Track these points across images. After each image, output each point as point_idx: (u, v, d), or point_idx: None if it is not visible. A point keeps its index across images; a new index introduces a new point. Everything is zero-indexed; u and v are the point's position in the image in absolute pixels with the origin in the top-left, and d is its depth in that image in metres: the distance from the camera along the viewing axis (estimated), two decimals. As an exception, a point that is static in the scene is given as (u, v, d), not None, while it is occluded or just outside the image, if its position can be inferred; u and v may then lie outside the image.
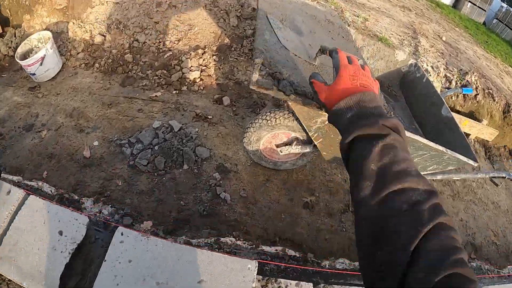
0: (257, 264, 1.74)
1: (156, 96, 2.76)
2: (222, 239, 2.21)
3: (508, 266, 2.55)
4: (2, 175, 2.51)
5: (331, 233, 2.16)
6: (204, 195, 2.40)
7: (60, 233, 1.64)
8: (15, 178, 2.44)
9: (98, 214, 2.24)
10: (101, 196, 2.27)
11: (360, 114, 0.59)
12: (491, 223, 2.81)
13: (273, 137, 2.06)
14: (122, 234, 1.68)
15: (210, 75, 3.11)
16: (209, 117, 2.86)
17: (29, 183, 2.39)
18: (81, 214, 1.72)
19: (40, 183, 2.37)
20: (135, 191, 2.30)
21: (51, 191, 2.33)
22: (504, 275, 2.40)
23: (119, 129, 2.50)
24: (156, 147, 2.44)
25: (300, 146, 1.97)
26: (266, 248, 2.13)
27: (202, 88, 3.01)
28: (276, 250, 2.08)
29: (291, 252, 2.08)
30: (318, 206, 2.29)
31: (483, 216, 2.84)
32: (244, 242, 2.20)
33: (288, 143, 2.07)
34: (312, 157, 2.22)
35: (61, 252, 1.56)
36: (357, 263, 2.06)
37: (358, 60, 0.75)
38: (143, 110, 2.65)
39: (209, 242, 2.20)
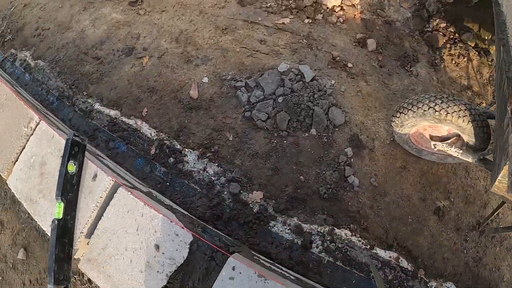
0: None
1: (283, 23, 2.21)
2: (336, 230, 1.91)
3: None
4: (97, 106, 2.49)
5: (451, 252, 2.02)
6: (329, 174, 1.93)
7: (157, 247, 1.39)
8: (112, 112, 2.37)
9: (201, 172, 2.01)
10: (208, 150, 1.99)
11: None
12: None
13: (432, 127, 1.81)
14: (234, 269, 1.33)
15: (353, 5, 2.39)
16: (349, 65, 2.22)
17: (127, 120, 2.28)
18: (183, 229, 1.41)
19: (139, 122, 2.23)
20: (248, 151, 1.95)
21: (150, 134, 2.18)
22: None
23: (235, 65, 2.09)
24: (280, 99, 1.98)
25: (461, 152, 1.68)
26: (380, 252, 1.92)
27: (342, 21, 2.34)
28: (390, 257, 1.92)
29: (403, 264, 1.93)
30: (449, 214, 2.07)
31: None
32: (360, 239, 1.93)
33: (446, 139, 1.81)
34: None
35: (157, 272, 1.34)
36: None
37: None
38: (266, 42, 2.16)
39: (322, 231, 1.90)
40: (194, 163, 1.97)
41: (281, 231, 1.88)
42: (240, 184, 1.89)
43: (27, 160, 1.60)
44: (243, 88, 2.00)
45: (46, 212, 1.47)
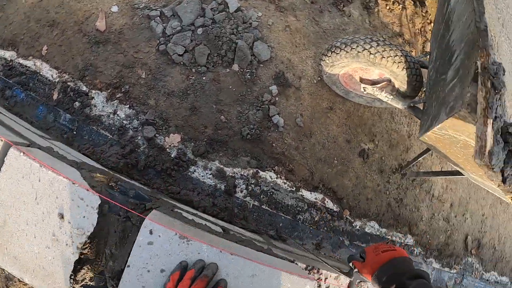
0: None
1: None
2: (261, 172, 1.80)
3: (492, 272, 2.69)
4: None
5: (374, 193, 2.05)
6: (252, 114, 1.75)
7: (61, 216, 1.12)
8: (7, 54, 1.95)
9: (111, 116, 1.72)
10: (117, 90, 1.70)
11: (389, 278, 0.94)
12: (502, 227, 2.89)
13: (363, 69, 1.73)
14: (151, 232, 1.11)
15: None
16: (279, -2, 2.02)
17: (24, 62, 1.89)
18: (88, 191, 1.13)
19: (38, 63, 1.86)
20: (162, 89, 1.69)
21: (52, 76, 1.82)
22: (485, 279, 2.70)
23: (148, -9, 1.79)
24: (199, 31, 1.72)
25: (391, 97, 1.63)
26: (306, 194, 1.87)
27: None
28: (316, 198, 1.89)
29: (329, 205, 1.93)
30: (373, 156, 2.07)
31: (500, 217, 2.88)
32: (285, 181, 1.84)
33: (376, 83, 1.75)
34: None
35: (66, 245, 1.08)
36: (384, 230, 2.10)
37: None
38: (184, -32, 1.87)
39: (245, 174, 1.77)
40: (103, 106, 1.68)
41: (202, 176, 1.68)
42: (155, 127, 1.65)
43: None
44: (158, 18, 1.72)
45: None
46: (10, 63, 1.90)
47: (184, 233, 1.11)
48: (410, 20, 2.42)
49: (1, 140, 1.18)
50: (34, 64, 1.84)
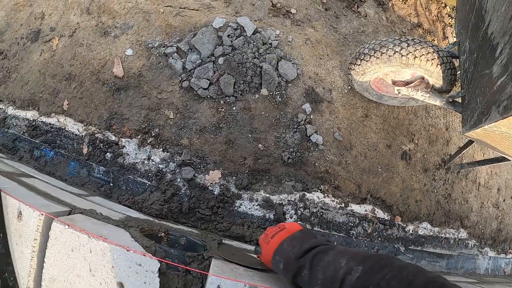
0: None
1: (210, -27, 1.83)
2: (308, 195, 1.70)
3: (486, 248, 2.40)
4: (11, 110, 1.93)
5: (422, 194, 1.95)
6: (290, 136, 1.65)
7: (121, 285, 1.03)
8: (29, 114, 1.89)
9: (146, 162, 1.63)
10: (148, 135, 1.61)
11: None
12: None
13: (394, 72, 1.66)
14: None
15: None
16: (292, 11, 1.90)
17: (47, 120, 1.82)
18: (145, 256, 1.02)
19: (61, 119, 1.79)
20: (194, 127, 1.60)
21: (78, 130, 1.74)
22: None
23: (162, 28, 1.68)
24: (220, 60, 1.61)
25: (427, 95, 1.54)
26: (355, 208, 1.78)
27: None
28: (366, 210, 1.81)
29: (380, 214, 1.84)
30: (415, 157, 1.98)
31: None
32: (333, 199, 1.75)
33: (409, 83, 1.67)
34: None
35: None
36: (437, 229, 2.01)
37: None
38: (193, -4, 1.77)
39: (292, 199, 1.68)
40: (136, 154, 1.59)
41: (249, 209, 1.58)
42: (193, 167, 1.55)
43: None
44: (175, 54, 1.62)
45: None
46: (33, 123, 1.83)
47: (252, 282, 1.01)
48: (425, 8, 2.27)
49: (42, 214, 1.09)
50: (58, 121, 1.76)
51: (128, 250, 1.03)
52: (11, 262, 1.09)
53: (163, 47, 1.65)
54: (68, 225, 1.06)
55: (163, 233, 1.25)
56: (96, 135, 1.67)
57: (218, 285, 1.01)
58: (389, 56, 1.46)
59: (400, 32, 2.22)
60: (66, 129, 1.74)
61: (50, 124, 1.78)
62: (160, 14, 1.69)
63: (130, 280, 1.03)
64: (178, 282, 1.08)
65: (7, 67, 1.95)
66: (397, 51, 1.45)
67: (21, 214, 1.09)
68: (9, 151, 1.90)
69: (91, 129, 1.68)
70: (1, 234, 1.08)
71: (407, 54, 1.44)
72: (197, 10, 1.72)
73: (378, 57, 1.49)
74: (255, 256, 1.08)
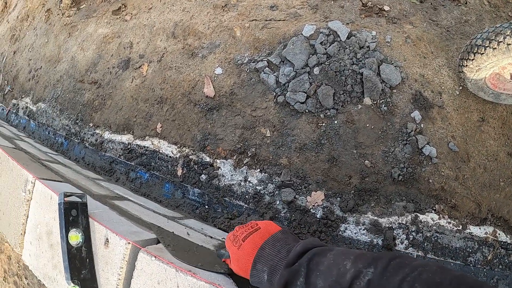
0: None
1: (293, -20, 1.70)
2: (421, 216, 1.44)
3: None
4: (107, 135, 2.03)
5: None
6: (399, 150, 1.42)
7: None
8: (124, 138, 1.96)
9: (243, 184, 1.53)
10: (244, 155, 1.52)
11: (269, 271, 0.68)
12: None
13: None
14: None
15: None
16: (385, 8, 1.67)
17: (142, 143, 1.85)
18: None
19: (156, 142, 1.80)
20: (293, 145, 1.46)
21: (172, 152, 1.73)
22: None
23: (249, 43, 1.59)
24: (316, 70, 1.46)
25: None
26: (474, 230, 1.49)
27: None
28: (486, 233, 1.52)
29: (502, 237, 1.55)
30: None
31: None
32: (449, 221, 1.46)
33: None
34: None
35: None
36: None
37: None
38: (278, 6, 1.64)
39: (403, 222, 1.43)
40: (232, 175, 1.50)
41: (355, 233, 1.39)
42: (293, 188, 1.41)
43: (33, 230, 1.27)
44: (267, 68, 1.50)
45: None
46: (129, 146, 1.87)
47: None
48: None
49: (129, 243, 1.03)
50: (152, 143, 1.76)
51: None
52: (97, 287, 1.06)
53: (253, 62, 1.55)
54: (155, 257, 0.98)
55: None
56: (190, 156, 1.63)
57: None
58: (508, 44, 1.22)
59: (507, 16, 1.86)
60: (160, 151, 1.74)
61: (144, 147, 1.80)
62: (246, 29, 1.60)
63: (218, 322, 0.91)
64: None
65: (102, 95, 2.05)
66: None
67: (107, 241, 1.06)
68: (107, 173, 1.98)
69: (185, 150, 1.65)
70: (87, 260, 1.05)
71: None
72: (283, 20, 1.60)
73: (495, 48, 1.26)
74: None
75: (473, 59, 1.33)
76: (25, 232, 1.30)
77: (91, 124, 2.09)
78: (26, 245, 1.28)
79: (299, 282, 0.62)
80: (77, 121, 2.20)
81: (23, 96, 2.73)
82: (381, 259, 0.58)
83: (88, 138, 2.10)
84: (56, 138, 2.37)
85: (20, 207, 1.32)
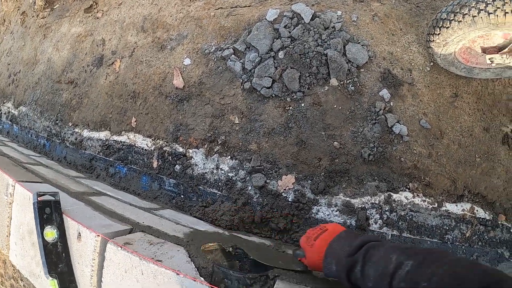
0: None
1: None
2: (394, 195, 1.45)
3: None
4: (86, 133, 2.02)
5: None
6: (368, 130, 1.42)
7: None
8: (102, 134, 1.96)
9: (215, 172, 1.54)
10: (214, 143, 1.53)
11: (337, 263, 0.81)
12: None
13: (483, 36, 1.40)
14: None
15: None
16: (351, -11, 1.66)
17: (118, 138, 1.86)
18: (195, 281, 0.92)
19: (131, 136, 1.81)
20: (261, 130, 1.47)
21: (147, 145, 1.74)
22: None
23: (216, 32, 1.59)
24: (280, 54, 1.46)
25: None
26: (451, 207, 1.49)
27: None
28: (463, 210, 1.51)
29: (480, 213, 1.53)
30: None
31: None
32: (424, 199, 1.46)
33: (502, 48, 1.37)
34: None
35: None
36: None
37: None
38: (243, -6, 1.65)
39: (376, 202, 1.44)
40: (204, 164, 1.51)
41: (328, 215, 1.41)
42: (264, 173, 1.42)
43: (17, 231, 1.31)
44: (233, 56, 1.51)
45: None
46: (106, 142, 1.88)
47: None
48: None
49: (98, 236, 1.08)
50: (128, 138, 1.78)
51: (178, 274, 0.92)
52: (74, 280, 1.12)
53: (219, 50, 1.55)
54: (121, 247, 1.01)
55: (231, 248, 1.12)
56: (164, 148, 1.64)
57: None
58: (473, 17, 1.20)
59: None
60: (136, 145, 1.74)
61: (121, 142, 1.81)
62: (212, 18, 1.60)
63: (182, 304, 0.92)
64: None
65: (78, 94, 2.05)
66: (482, 9, 1.19)
67: (80, 235, 1.11)
68: (87, 171, 1.99)
69: (159, 142, 1.66)
70: (63, 254, 1.10)
71: (494, 11, 1.16)
72: (249, 6, 1.60)
73: (460, 21, 1.24)
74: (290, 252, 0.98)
75: (439, 34, 1.31)
76: (10, 234, 1.35)
77: (70, 124, 2.10)
78: (12, 246, 1.33)
79: (357, 270, 0.75)
80: (57, 121, 2.20)
81: (5, 101, 2.73)
82: (421, 254, 0.68)
83: (68, 137, 2.11)
84: (39, 140, 2.38)
85: (4, 210, 1.37)
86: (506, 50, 1.32)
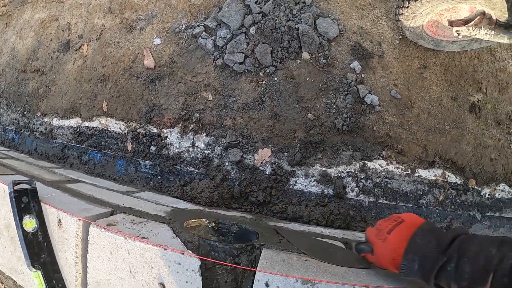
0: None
1: None
2: (369, 163, 1.50)
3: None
4: (56, 121, 1.92)
5: (497, 151, 1.70)
6: (341, 101, 1.46)
7: (162, 286, 0.94)
8: (72, 121, 1.89)
9: (191, 150, 1.53)
10: (189, 122, 1.51)
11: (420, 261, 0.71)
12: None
13: (449, 10, 1.43)
14: (267, 285, 0.85)
15: None
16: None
17: (90, 124, 1.80)
18: (183, 254, 0.91)
19: (103, 121, 1.75)
20: (235, 105, 1.46)
21: (120, 129, 1.70)
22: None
23: (185, 10, 1.57)
24: (252, 30, 1.46)
25: (493, 33, 1.30)
26: (423, 173, 1.54)
27: None
28: (435, 175, 1.57)
29: (451, 178, 1.60)
30: (485, 108, 1.71)
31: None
32: (398, 166, 1.52)
33: (468, 21, 1.44)
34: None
35: None
36: None
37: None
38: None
39: (352, 170, 1.48)
40: (179, 143, 1.50)
41: (305, 186, 1.43)
42: (240, 148, 1.42)
43: None
44: (204, 33, 1.49)
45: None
46: (78, 129, 1.82)
47: (305, 276, 0.83)
48: None
49: (80, 219, 1.03)
50: (100, 123, 1.72)
51: (165, 249, 0.91)
52: (58, 269, 1.07)
53: (190, 28, 1.53)
54: (104, 228, 0.98)
55: (213, 223, 1.12)
56: (138, 130, 1.61)
57: (266, 282, 0.84)
58: None
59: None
60: (109, 129, 1.70)
61: (93, 127, 1.75)
62: (181, -4, 1.57)
63: (171, 280, 0.92)
64: (227, 277, 0.94)
65: (45, 82, 1.97)
66: None
67: (60, 221, 1.06)
68: (60, 160, 1.92)
69: (132, 125, 1.62)
70: (45, 243, 1.06)
71: None
72: (218, -17, 1.58)
73: None
74: (341, 245, 0.91)
75: (408, 7, 1.34)
76: (-15, 232, 1.26)
77: (38, 114, 2.01)
78: (-10, 244, 1.25)
79: (449, 267, 0.66)
80: (25, 113, 2.10)
81: (-31, 96, 2.57)
82: None
83: (38, 128, 2.01)
84: (7, 134, 2.26)
85: (-22, 207, 1.28)
86: (472, 23, 1.38)
